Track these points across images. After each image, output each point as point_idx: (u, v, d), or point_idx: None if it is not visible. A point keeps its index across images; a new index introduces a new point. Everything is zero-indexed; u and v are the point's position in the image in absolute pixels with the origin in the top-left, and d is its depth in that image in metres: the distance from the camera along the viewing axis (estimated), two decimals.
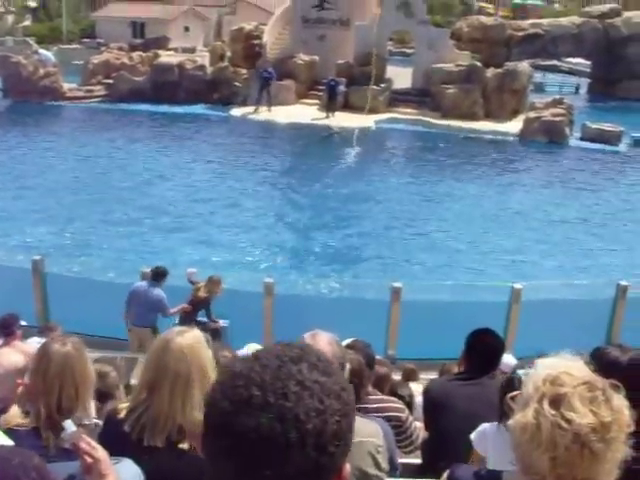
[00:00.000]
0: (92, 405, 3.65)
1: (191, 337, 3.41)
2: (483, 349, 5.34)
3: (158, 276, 12.55)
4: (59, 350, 3.61)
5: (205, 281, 13.23)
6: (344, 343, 5.09)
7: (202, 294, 13.15)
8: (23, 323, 9.50)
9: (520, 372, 4.05)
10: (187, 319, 12.73)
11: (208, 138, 34.57)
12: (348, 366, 3.44)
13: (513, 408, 2.36)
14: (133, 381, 12.19)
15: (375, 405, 5.06)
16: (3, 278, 14.78)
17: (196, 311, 13.17)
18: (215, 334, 9.72)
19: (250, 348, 7.92)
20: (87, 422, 3.39)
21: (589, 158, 33.10)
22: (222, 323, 13.53)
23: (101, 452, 2.92)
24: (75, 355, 3.64)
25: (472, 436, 4.42)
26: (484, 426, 4.42)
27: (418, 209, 24.92)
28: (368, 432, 3.96)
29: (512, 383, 4.12)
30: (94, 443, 3.08)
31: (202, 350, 3.42)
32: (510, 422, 2.33)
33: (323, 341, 3.36)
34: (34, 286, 14.28)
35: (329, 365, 1.66)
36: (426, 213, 24.50)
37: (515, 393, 2.63)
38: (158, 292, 12.38)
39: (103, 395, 4.85)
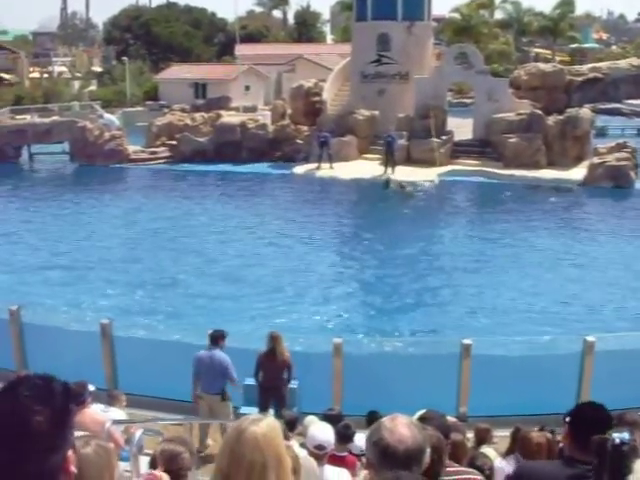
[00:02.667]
0: None
1: (266, 425, 3.30)
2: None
3: (217, 340, 12.12)
4: (77, 450, 3.08)
5: (276, 340, 12.44)
6: (417, 415, 5.03)
7: (287, 353, 12.52)
8: (92, 388, 9.56)
9: (615, 435, 3.92)
10: (276, 387, 12.55)
11: (272, 196, 35.00)
12: (429, 450, 3.38)
13: None
14: (210, 441, 12.25)
15: (452, 477, 4.95)
16: (74, 342, 14.96)
17: (282, 374, 12.56)
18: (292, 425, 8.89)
19: (310, 421, 7.80)
20: None
21: None
22: (291, 384, 13.29)
23: None
24: (93, 459, 3.39)
25: None
26: None
27: (484, 261, 24.69)
28: None
29: (605, 446, 3.99)
30: None
31: (277, 438, 3.32)
32: None
33: (402, 424, 3.32)
34: (103, 349, 14.41)
35: None
36: (492, 265, 24.26)
37: None
38: (223, 358, 11.99)
39: (175, 477, 4.83)
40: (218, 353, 12.00)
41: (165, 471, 4.75)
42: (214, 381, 11.99)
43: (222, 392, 12.05)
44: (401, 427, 3.29)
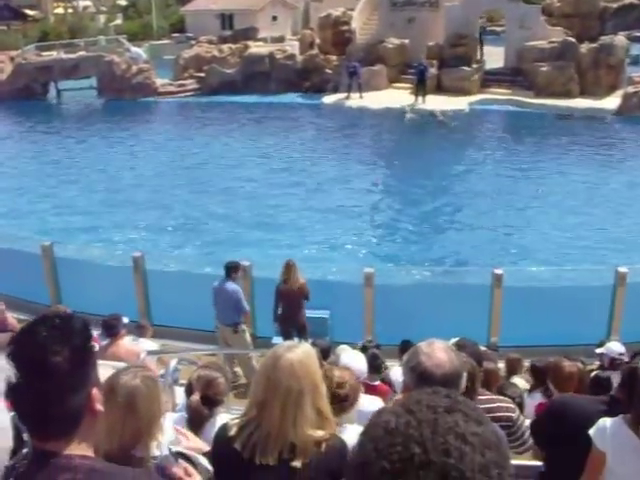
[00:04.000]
0: (154, 445, 3.42)
1: (301, 352, 3.36)
2: None
3: (229, 271, 12.24)
4: (127, 383, 3.45)
5: (293, 268, 12.56)
6: (451, 342, 5.04)
7: (302, 280, 12.64)
8: (126, 320, 9.68)
9: None
10: (295, 316, 12.68)
11: (301, 127, 34.80)
12: (465, 374, 3.40)
13: None
14: (239, 370, 12.42)
15: (484, 406, 4.95)
16: (107, 276, 15.12)
17: (300, 304, 12.72)
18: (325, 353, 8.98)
19: (341, 350, 7.77)
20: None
21: None
22: (322, 314, 13.39)
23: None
24: (143, 391, 3.46)
25: (591, 432, 4.22)
26: (604, 421, 4.21)
27: (515, 191, 24.49)
28: None
29: (635, 373, 3.97)
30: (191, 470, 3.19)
31: (313, 365, 3.38)
32: None
33: (440, 349, 3.34)
34: (135, 282, 14.57)
35: (480, 413, 1.54)
36: (523, 195, 24.03)
37: None
38: (233, 289, 12.14)
39: (212, 402, 4.90)
40: (229, 284, 12.15)
41: (202, 397, 4.83)
42: (227, 312, 12.16)
43: (234, 324, 12.19)
44: (438, 352, 3.32)
